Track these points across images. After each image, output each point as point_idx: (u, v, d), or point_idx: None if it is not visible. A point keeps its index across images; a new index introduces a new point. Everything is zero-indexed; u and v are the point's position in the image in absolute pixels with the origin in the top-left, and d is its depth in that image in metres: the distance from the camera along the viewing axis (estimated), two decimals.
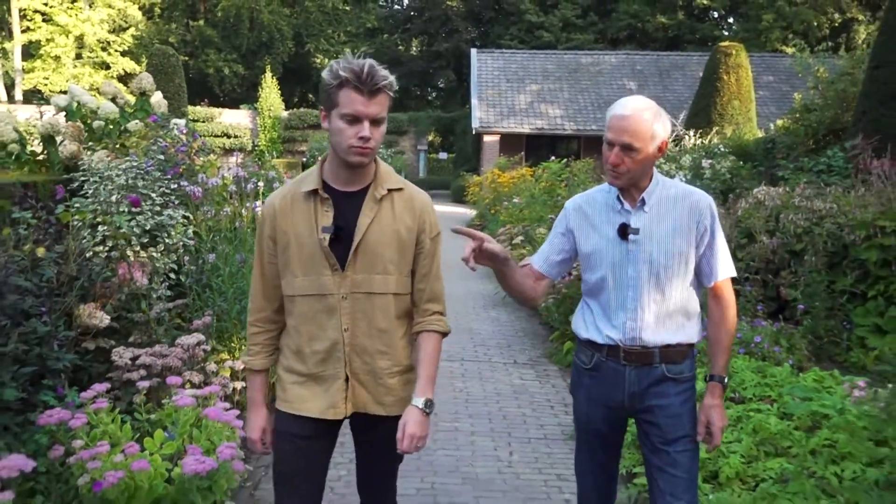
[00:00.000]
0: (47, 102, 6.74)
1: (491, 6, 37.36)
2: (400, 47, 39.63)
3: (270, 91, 27.10)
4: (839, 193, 6.93)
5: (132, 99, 7.95)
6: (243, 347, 4.63)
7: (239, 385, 4.19)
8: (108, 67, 31.23)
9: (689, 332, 2.22)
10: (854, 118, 9.78)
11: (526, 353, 6.09)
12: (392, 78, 1.99)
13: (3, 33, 33.64)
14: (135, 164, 5.04)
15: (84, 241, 4.53)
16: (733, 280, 2.31)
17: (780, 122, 13.45)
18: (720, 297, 2.23)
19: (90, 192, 4.88)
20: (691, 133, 14.43)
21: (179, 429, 3.20)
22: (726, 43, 16.63)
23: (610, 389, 2.24)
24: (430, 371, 2.11)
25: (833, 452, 3.14)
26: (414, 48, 40.03)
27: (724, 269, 2.21)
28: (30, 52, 30.50)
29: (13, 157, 6.52)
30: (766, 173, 11.03)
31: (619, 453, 2.42)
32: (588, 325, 2.29)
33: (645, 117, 2.08)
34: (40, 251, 3.61)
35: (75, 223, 4.68)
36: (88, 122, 7.43)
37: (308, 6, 36.34)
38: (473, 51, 26.96)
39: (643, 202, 2.18)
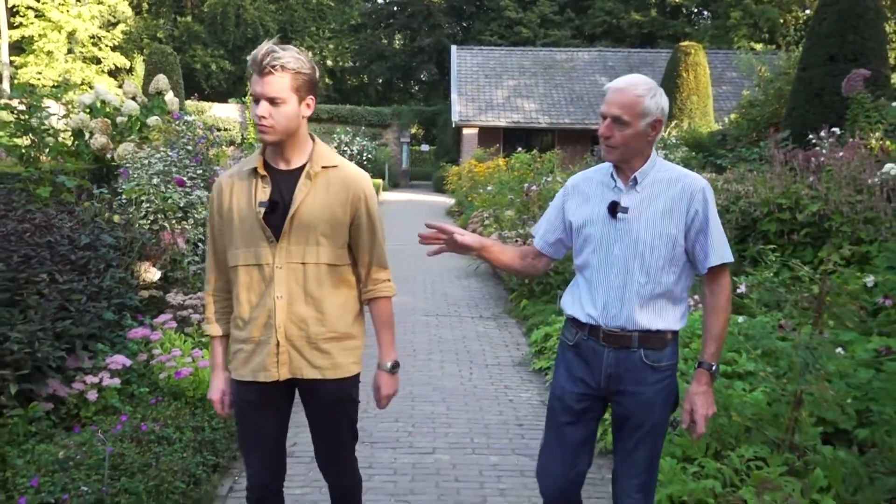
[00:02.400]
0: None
1: (472, 2, 38.39)
2: (383, 41, 40.61)
3: None
4: (759, 178, 8.19)
5: (121, 97, 8.90)
6: None
7: None
8: (98, 62, 32.04)
9: (671, 319, 2.19)
10: (785, 113, 11.08)
11: (490, 310, 7.34)
12: (290, 58, 2.06)
13: None
14: (170, 154, 6.17)
15: (131, 215, 5.68)
16: None
17: (732, 116, 14.78)
18: (713, 284, 2.19)
19: (134, 176, 6.04)
20: None
21: None
22: (686, 43, 17.92)
23: (589, 368, 2.25)
24: (389, 335, 2.34)
25: None
26: (397, 43, 41.01)
27: (719, 254, 2.16)
28: (22, 47, 31.22)
29: (45, 148, 7.50)
30: (714, 163, 12.32)
31: (589, 450, 2.37)
32: (574, 301, 2.30)
33: (637, 92, 2.10)
34: (116, 218, 4.78)
35: (122, 200, 5.86)
36: (112, 118, 8.53)
37: (292, 3, 37.21)
38: (453, 47, 28.10)
39: (635, 181, 2.18)
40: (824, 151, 7.84)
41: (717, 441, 3.28)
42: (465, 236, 2.27)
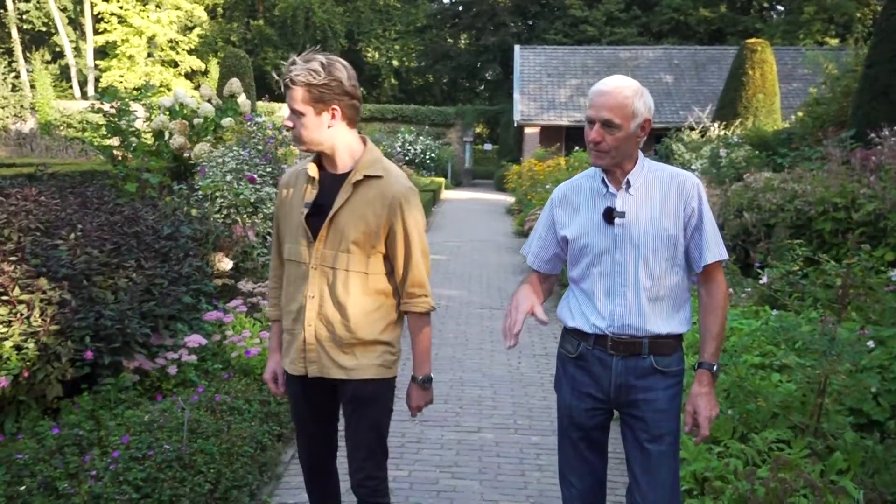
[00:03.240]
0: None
1: (537, 1, 38.39)
2: (449, 41, 41.02)
3: None
4: (816, 177, 8.15)
5: (198, 99, 9.46)
6: None
7: None
8: (176, 65, 33.50)
9: (677, 322, 2.16)
10: (851, 112, 10.89)
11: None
12: (301, 71, 2.10)
13: (78, 33, 36.22)
14: (242, 153, 6.62)
15: (206, 209, 6.15)
16: None
17: (799, 114, 14.51)
18: (709, 282, 2.16)
19: (210, 173, 6.52)
20: (716, 125, 15.59)
21: None
22: (753, 40, 17.60)
23: (596, 380, 2.19)
24: (424, 347, 2.35)
25: None
26: (462, 43, 41.36)
27: (713, 252, 2.12)
28: (105, 51, 32.90)
29: (132, 148, 8.10)
30: (775, 161, 12.17)
31: (605, 455, 2.33)
32: (574, 313, 2.23)
33: (625, 94, 2.05)
34: (193, 212, 5.23)
35: (199, 196, 6.34)
36: (190, 119, 9.11)
37: (359, 5, 37.98)
38: (516, 47, 28.23)
39: (628, 184, 2.13)
40: (886, 150, 7.77)
41: (744, 425, 3.45)
42: (538, 309, 2.16)
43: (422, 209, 2.32)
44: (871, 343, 3.65)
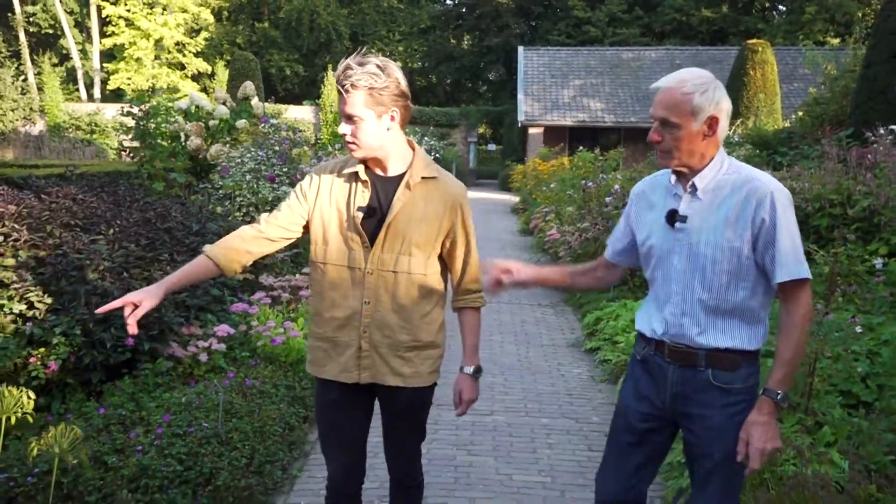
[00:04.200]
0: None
1: (540, 2, 38.63)
2: (452, 42, 41.29)
3: (332, 88, 29.06)
4: (813, 175, 8.39)
5: (213, 102, 9.74)
6: None
7: None
8: (183, 68, 33.84)
9: (744, 338, 1.99)
10: (849, 111, 11.13)
11: (548, 298, 7.83)
12: (362, 75, 2.04)
13: (84, 36, 36.58)
14: (260, 153, 6.90)
15: (227, 207, 6.42)
16: None
17: (799, 113, 14.76)
18: (788, 301, 1.97)
19: (230, 173, 6.79)
20: None
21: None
22: (753, 40, 17.85)
23: (655, 386, 2.13)
24: (474, 341, 2.36)
25: None
26: (465, 44, 41.63)
27: (787, 269, 1.92)
28: (113, 54, 33.24)
29: (156, 150, 8.37)
30: (775, 160, 12.41)
31: (653, 465, 2.22)
32: (643, 315, 2.19)
33: (685, 90, 1.92)
34: (218, 209, 5.50)
35: (220, 195, 6.61)
36: (205, 121, 9.38)
37: (364, 7, 38.28)
38: (520, 48, 28.50)
39: (693, 187, 2.00)
40: (881, 149, 8.00)
41: None
42: (521, 272, 2.19)
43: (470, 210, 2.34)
44: (859, 329, 3.89)
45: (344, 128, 2.13)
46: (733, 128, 15.57)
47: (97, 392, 3.84)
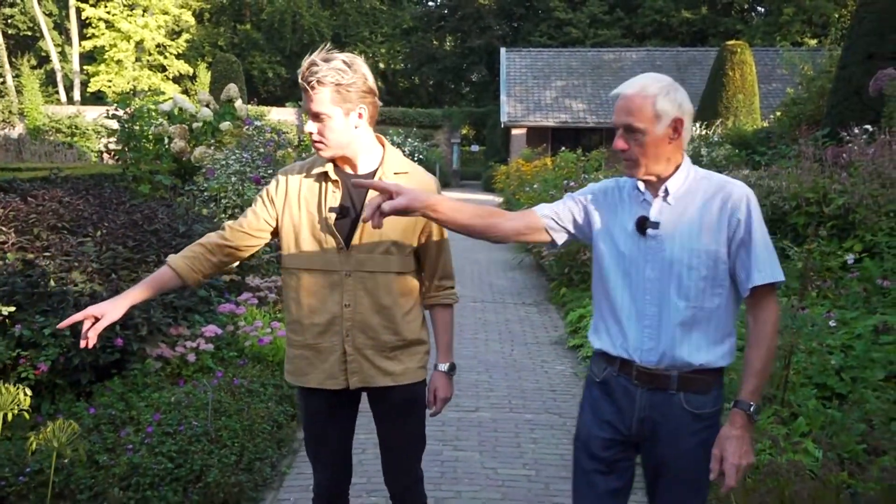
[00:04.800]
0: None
1: (521, 3, 38.81)
2: (434, 43, 41.38)
3: None
4: (790, 174, 8.55)
5: (197, 105, 9.76)
6: None
7: None
8: (164, 70, 33.64)
9: (717, 354, 1.90)
10: (825, 111, 11.33)
11: (532, 297, 7.93)
12: (328, 70, 1.98)
13: (63, 38, 36.27)
14: (244, 155, 6.93)
15: (213, 209, 6.45)
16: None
17: (777, 113, 14.99)
18: (758, 308, 1.88)
19: (211, 175, 6.82)
20: (697, 125, 16.03)
21: None
22: (732, 42, 18.09)
23: (618, 410, 1.98)
24: (447, 339, 2.32)
25: None
26: (448, 45, 41.72)
27: (764, 272, 1.85)
28: (94, 56, 32.99)
29: (140, 152, 8.38)
30: (754, 160, 12.61)
31: (624, 492, 2.06)
32: (601, 332, 2.03)
33: (647, 93, 1.85)
34: (204, 211, 5.54)
35: (205, 197, 6.64)
36: (189, 124, 9.40)
37: (346, 8, 38.26)
38: (502, 49, 28.64)
39: (666, 192, 1.91)
40: (856, 148, 8.18)
41: None
42: (396, 202, 1.84)
43: None
44: (832, 323, 4.01)
45: (311, 126, 2.07)
46: (713, 128, 15.77)
47: (87, 392, 3.87)
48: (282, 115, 30.15)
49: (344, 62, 2.03)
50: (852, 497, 2.64)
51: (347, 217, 2.13)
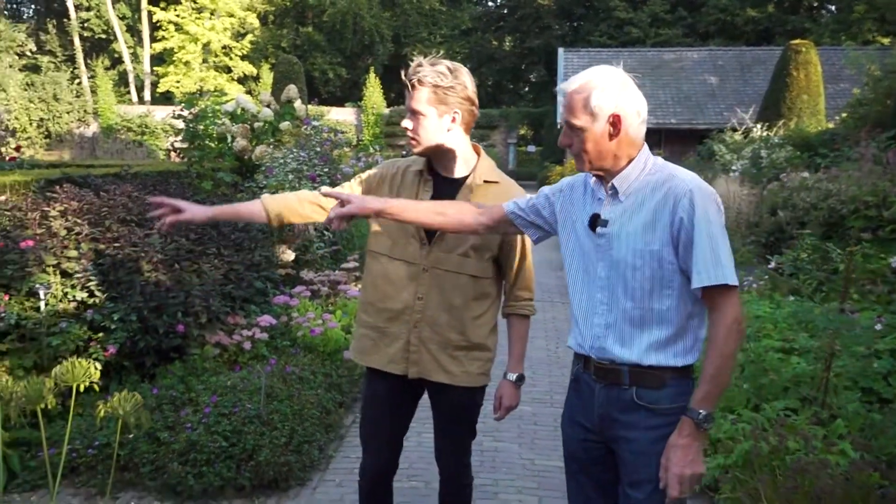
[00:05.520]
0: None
1: (581, 3, 38.56)
2: (493, 44, 41.46)
3: (374, 90, 29.53)
4: (849, 177, 8.37)
5: (259, 105, 10.11)
6: None
7: None
8: (229, 71, 34.66)
9: (670, 354, 1.85)
10: (892, 112, 11.00)
11: None
12: (429, 72, 2.14)
13: (135, 40, 37.72)
14: (302, 154, 7.18)
15: None
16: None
17: (843, 115, 14.57)
18: (711, 311, 1.82)
19: (270, 173, 7.09)
20: (759, 126, 15.70)
21: (349, 310, 5.31)
22: (797, 41, 17.63)
23: (585, 408, 1.98)
24: (521, 349, 2.38)
25: None
26: (506, 45, 41.75)
27: (706, 274, 1.76)
28: (163, 58, 34.24)
29: (205, 150, 8.73)
30: (814, 162, 12.31)
31: (611, 494, 1.99)
32: (572, 329, 2.04)
33: (580, 91, 1.83)
34: None
35: (264, 193, 6.91)
36: (251, 123, 9.73)
37: (406, 9, 38.69)
38: (560, 50, 28.51)
39: (614, 189, 1.89)
40: None
41: (757, 397, 3.83)
42: (348, 208, 1.99)
43: None
44: (878, 327, 3.98)
45: (407, 122, 2.21)
46: (775, 129, 15.43)
47: (150, 374, 4.13)
48: (341, 116, 30.74)
49: (448, 68, 2.18)
50: (883, 498, 2.66)
51: None
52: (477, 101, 2.27)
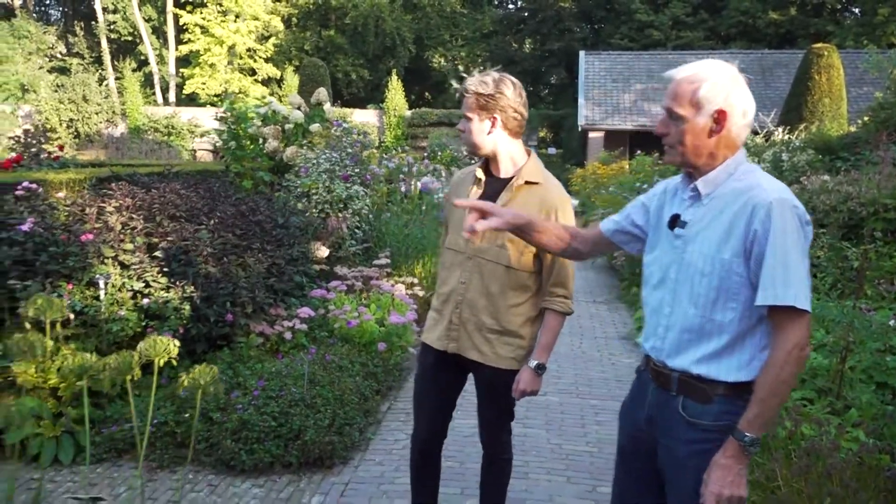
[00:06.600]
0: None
1: (602, 6, 38.62)
2: (514, 46, 41.62)
3: (396, 92, 29.80)
4: (869, 180, 8.49)
5: (289, 107, 10.41)
6: (408, 273, 6.93)
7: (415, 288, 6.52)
8: (253, 73, 35.11)
9: (722, 367, 1.78)
10: None
11: (603, 295, 8.17)
12: (473, 81, 2.44)
13: (161, 42, 38.32)
14: (334, 155, 7.45)
15: (304, 204, 6.97)
16: None
17: (865, 118, 14.62)
18: (774, 330, 1.73)
19: (304, 172, 7.36)
20: (780, 129, 15.78)
21: (382, 304, 5.55)
22: (819, 45, 17.67)
23: (640, 403, 1.99)
24: (548, 340, 2.51)
25: None
26: (527, 48, 41.89)
27: (772, 292, 1.68)
28: (189, 60, 34.77)
29: (243, 151, 9.02)
30: (835, 165, 12.39)
31: (654, 491, 1.97)
32: (644, 326, 2.03)
33: (694, 79, 1.76)
34: (300, 205, 6.06)
35: (298, 193, 7.18)
36: (282, 125, 10.02)
37: (428, 12, 38.96)
38: (581, 52, 28.66)
39: (696, 191, 1.84)
40: None
41: None
42: (492, 221, 1.98)
43: (573, 217, 2.53)
44: (892, 322, 4.16)
45: (460, 125, 2.56)
46: (796, 132, 15.50)
47: (201, 361, 4.40)
48: (363, 117, 31.04)
49: (493, 79, 2.46)
50: (891, 478, 2.85)
51: None
52: (521, 109, 2.49)
